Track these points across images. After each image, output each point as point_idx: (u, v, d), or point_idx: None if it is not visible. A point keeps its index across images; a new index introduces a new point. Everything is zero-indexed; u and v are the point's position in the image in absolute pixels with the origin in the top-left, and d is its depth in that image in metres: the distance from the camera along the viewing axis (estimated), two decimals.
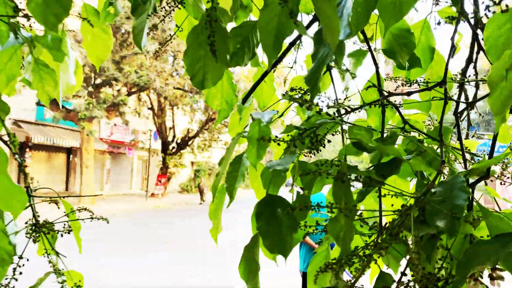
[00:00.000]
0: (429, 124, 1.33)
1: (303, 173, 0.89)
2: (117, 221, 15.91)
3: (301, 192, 1.01)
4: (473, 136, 1.37)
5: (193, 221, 16.33)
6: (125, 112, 21.27)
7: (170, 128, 26.64)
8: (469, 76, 1.16)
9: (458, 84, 1.21)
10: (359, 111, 1.18)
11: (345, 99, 1.27)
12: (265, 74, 1.38)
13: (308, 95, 1.28)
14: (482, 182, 1.29)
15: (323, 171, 0.90)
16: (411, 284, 0.84)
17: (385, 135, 1.12)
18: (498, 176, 1.10)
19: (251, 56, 1.25)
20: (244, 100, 1.46)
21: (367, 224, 1.12)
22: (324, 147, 1.19)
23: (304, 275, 6.16)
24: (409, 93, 1.08)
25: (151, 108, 24.43)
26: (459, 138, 1.17)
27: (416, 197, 0.87)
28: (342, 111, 1.09)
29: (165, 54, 22.62)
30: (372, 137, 0.99)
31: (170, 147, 26.29)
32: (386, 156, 1.06)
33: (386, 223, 1.04)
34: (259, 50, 1.71)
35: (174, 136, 26.42)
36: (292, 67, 1.61)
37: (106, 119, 22.02)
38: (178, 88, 22.41)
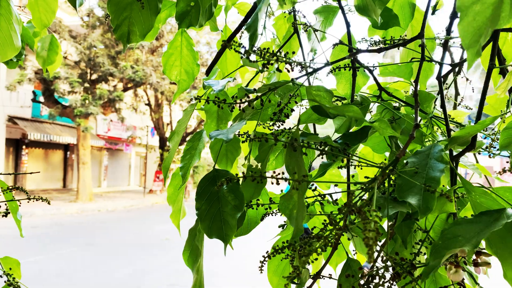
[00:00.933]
0: (411, 94, 1.18)
1: (253, 138, 0.74)
2: (116, 217, 15.78)
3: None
4: (459, 104, 1.22)
5: (192, 218, 16.19)
6: (122, 108, 21.08)
7: (168, 124, 26.46)
8: (453, 32, 1.01)
9: (442, 45, 1.06)
10: (327, 76, 1.03)
11: (310, 61, 1.12)
12: (229, 39, 1.23)
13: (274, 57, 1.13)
14: (471, 158, 1.14)
15: (277, 139, 0.75)
16: (381, 272, 0.70)
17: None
18: (486, 147, 0.95)
19: (207, 16, 1.10)
20: (208, 71, 1.31)
21: (331, 202, 0.97)
22: (287, 117, 1.04)
23: None
24: (380, 50, 0.92)
25: (148, 104, 24.24)
26: (443, 106, 1.02)
27: (382, 167, 0.72)
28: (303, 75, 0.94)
29: (161, 48, 22.42)
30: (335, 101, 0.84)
31: (168, 143, 26.15)
32: (356, 126, 0.91)
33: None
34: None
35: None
36: (261, 34, 1.44)
37: (103, 115, 21.86)
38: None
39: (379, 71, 1.08)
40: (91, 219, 14.96)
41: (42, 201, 1.05)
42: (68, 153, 25.52)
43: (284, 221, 1.03)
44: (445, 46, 1.03)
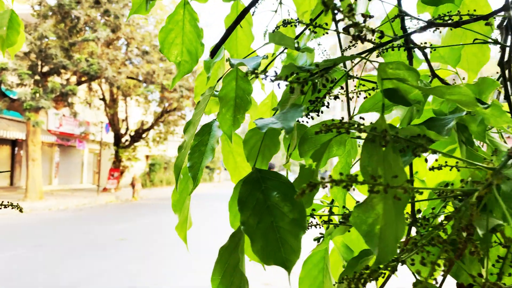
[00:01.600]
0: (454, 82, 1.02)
1: (317, 131, 0.54)
2: (67, 217, 15.09)
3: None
4: None
5: (148, 217, 15.73)
6: (75, 102, 20.23)
7: (123, 120, 25.66)
8: None
9: (501, 25, 0.91)
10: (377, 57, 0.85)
11: (371, 30, 0.93)
12: (241, 15, 1.03)
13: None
14: None
15: (346, 128, 0.56)
16: None
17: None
18: None
19: None
20: (213, 52, 1.09)
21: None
22: (328, 107, 0.86)
23: None
24: (423, 28, 0.74)
25: (103, 99, 23.39)
26: (507, 96, 0.87)
27: (495, 169, 0.55)
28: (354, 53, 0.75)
29: (117, 41, 21.69)
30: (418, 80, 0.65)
31: (123, 140, 25.33)
32: (417, 117, 0.73)
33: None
34: None
35: (127, 129, 25.46)
36: (275, 11, 1.23)
37: (55, 110, 20.90)
38: (131, 78, 21.56)
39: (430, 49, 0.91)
40: (41, 219, 14.21)
41: None
42: (16, 149, 24.25)
43: (321, 233, 0.84)
44: (507, 26, 0.88)
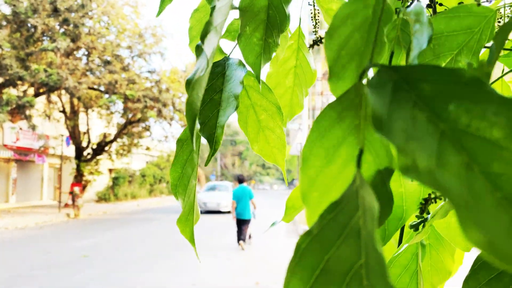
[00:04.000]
0: None
1: None
2: (26, 235, 14.23)
3: None
4: None
5: (113, 232, 15.04)
6: (33, 115, 19.31)
7: (85, 133, 24.70)
8: None
9: None
10: None
11: None
12: None
13: None
14: None
15: None
16: None
17: None
18: None
19: None
20: None
21: None
22: None
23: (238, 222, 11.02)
24: None
25: (63, 111, 22.45)
26: None
27: None
28: None
29: (76, 51, 20.93)
30: None
31: (85, 153, 24.36)
32: None
33: None
34: None
35: (89, 141, 24.50)
36: None
37: (10, 123, 19.90)
38: (92, 88, 20.80)
39: None
40: None
41: None
42: None
43: (418, 215, 0.53)
44: None
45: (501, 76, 0.76)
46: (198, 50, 0.51)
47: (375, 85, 0.27)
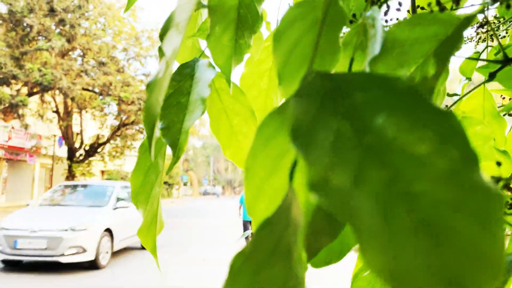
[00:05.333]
0: None
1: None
2: None
3: None
4: None
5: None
6: (26, 114, 19.19)
7: (78, 134, 24.56)
8: None
9: None
10: None
11: None
12: None
13: None
14: None
15: None
16: None
17: None
18: None
19: None
20: None
21: None
22: None
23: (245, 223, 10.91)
24: None
25: (56, 111, 22.32)
26: None
27: None
28: None
29: (72, 52, 20.85)
30: None
31: (77, 154, 24.19)
32: None
33: None
34: None
35: (82, 142, 24.35)
36: None
37: (3, 122, 19.76)
38: (87, 89, 20.71)
39: None
40: None
41: None
42: None
43: None
44: None
45: (482, 83, 0.75)
46: (160, 52, 0.49)
47: (302, 94, 0.25)
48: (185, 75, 0.63)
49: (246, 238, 12.44)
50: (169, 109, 0.59)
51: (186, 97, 0.59)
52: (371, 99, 0.24)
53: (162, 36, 0.48)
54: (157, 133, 0.57)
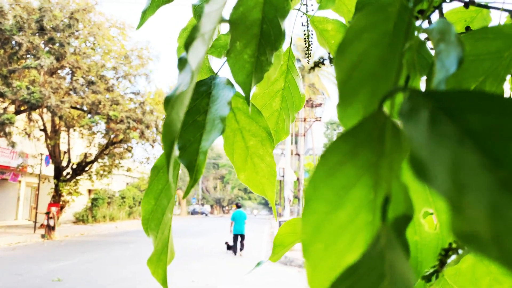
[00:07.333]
0: None
1: None
2: None
3: None
4: None
5: (89, 255, 14.62)
6: (12, 132, 18.93)
7: (65, 152, 24.26)
8: None
9: None
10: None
11: None
12: None
13: None
14: None
15: None
16: None
17: None
18: None
19: None
20: None
21: None
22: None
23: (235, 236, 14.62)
24: None
25: (44, 129, 22.06)
26: None
27: None
28: None
29: (61, 70, 20.74)
30: None
31: (64, 173, 23.86)
32: None
33: None
34: None
35: (69, 161, 24.04)
36: None
37: None
38: (75, 108, 20.55)
39: None
40: None
41: None
42: None
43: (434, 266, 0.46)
44: None
45: None
46: (181, 63, 0.44)
47: (407, 115, 0.21)
48: (201, 93, 0.58)
49: (226, 243, 15.19)
50: (184, 128, 0.55)
51: (203, 116, 0.55)
52: (493, 124, 0.20)
53: (187, 46, 0.43)
54: (176, 152, 0.52)
